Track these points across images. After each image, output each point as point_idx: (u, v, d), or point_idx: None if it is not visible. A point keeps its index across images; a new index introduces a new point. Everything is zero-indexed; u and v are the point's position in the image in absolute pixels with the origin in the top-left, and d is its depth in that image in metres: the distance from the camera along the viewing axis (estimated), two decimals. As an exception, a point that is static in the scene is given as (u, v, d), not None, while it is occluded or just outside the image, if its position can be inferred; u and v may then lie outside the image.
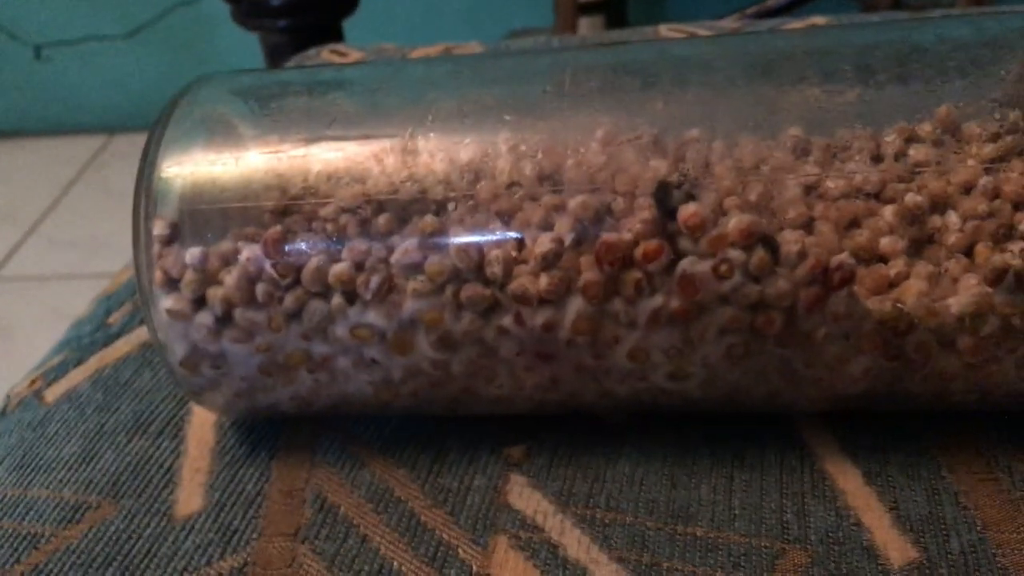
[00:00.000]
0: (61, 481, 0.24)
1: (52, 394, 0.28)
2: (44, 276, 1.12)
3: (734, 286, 0.20)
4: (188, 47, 1.33)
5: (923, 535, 0.21)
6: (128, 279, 0.33)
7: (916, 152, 0.21)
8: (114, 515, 0.23)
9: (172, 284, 0.22)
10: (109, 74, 1.36)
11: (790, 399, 0.22)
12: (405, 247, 0.21)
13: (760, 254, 0.20)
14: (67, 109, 1.39)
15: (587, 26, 1.08)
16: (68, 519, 0.23)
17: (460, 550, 0.21)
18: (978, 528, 0.21)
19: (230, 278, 0.21)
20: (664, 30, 0.43)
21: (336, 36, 0.55)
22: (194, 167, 0.22)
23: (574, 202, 0.21)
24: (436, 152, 0.22)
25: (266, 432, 0.25)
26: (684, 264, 0.20)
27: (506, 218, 0.21)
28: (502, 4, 1.24)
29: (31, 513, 0.24)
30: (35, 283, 1.11)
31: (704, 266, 0.20)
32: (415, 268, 0.21)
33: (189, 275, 0.22)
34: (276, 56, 0.54)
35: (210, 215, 0.22)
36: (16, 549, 0.23)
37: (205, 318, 0.22)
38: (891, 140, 0.21)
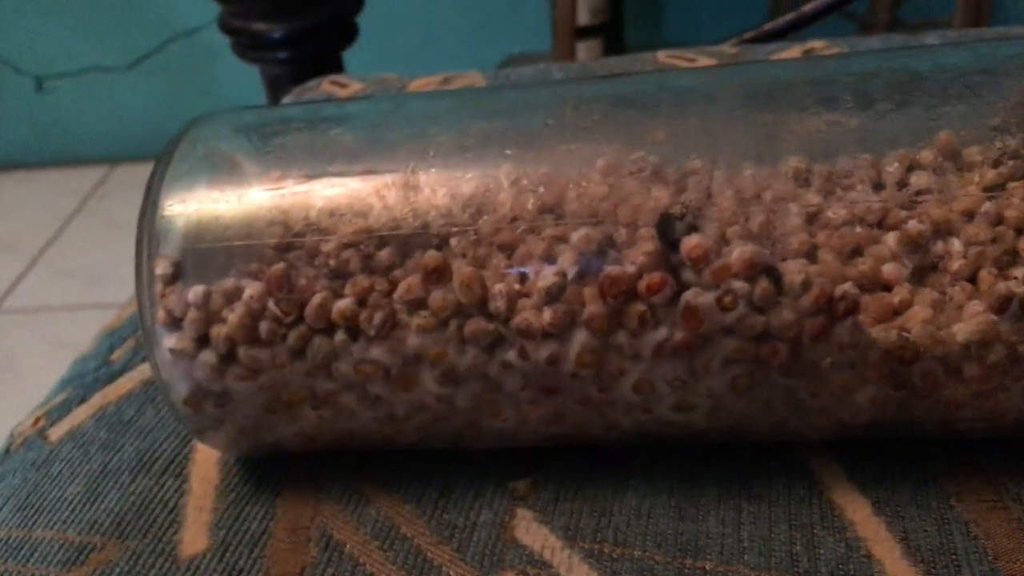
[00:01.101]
0: (65, 522, 0.24)
1: (56, 433, 0.28)
2: (47, 307, 1.12)
3: (738, 317, 0.20)
4: (189, 78, 1.34)
5: (934, 566, 0.20)
6: (131, 314, 0.33)
7: (917, 179, 0.21)
8: (118, 556, 0.23)
9: (175, 323, 0.22)
10: (110, 105, 1.37)
11: (796, 429, 0.22)
12: (408, 282, 0.21)
13: (764, 285, 0.20)
14: (68, 140, 1.40)
15: (584, 50, 1.08)
16: (72, 561, 0.23)
17: (467, 587, 0.21)
18: (989, 558, 0.20)
19: (233, 316, 0.21)
20: (662, 57, 0.43)
21: (336, 67, 0.55)
22: (197, 205, 0.22)
23: (577, 235, 0.21)
24: (438, 187, 0.22)
25: (270, 469, 0.25)
26: (688, 296, 0.20)
27: (509, 252, 0.21)
28: (500, 30, 1.25)
29: (35, 555, 0.23)
30: (38, 314, 1.11)
31: (708, 298, 0.20)
32: (418, 303, 0.21)
33: (192, 314, 0.22)
34: (276, 87, 0.54)
35: (213, 253, 0.22)
36: (20, 592, 0.23)
37: (208, 356, 0.22)
38: (892, 168, 0.21)
